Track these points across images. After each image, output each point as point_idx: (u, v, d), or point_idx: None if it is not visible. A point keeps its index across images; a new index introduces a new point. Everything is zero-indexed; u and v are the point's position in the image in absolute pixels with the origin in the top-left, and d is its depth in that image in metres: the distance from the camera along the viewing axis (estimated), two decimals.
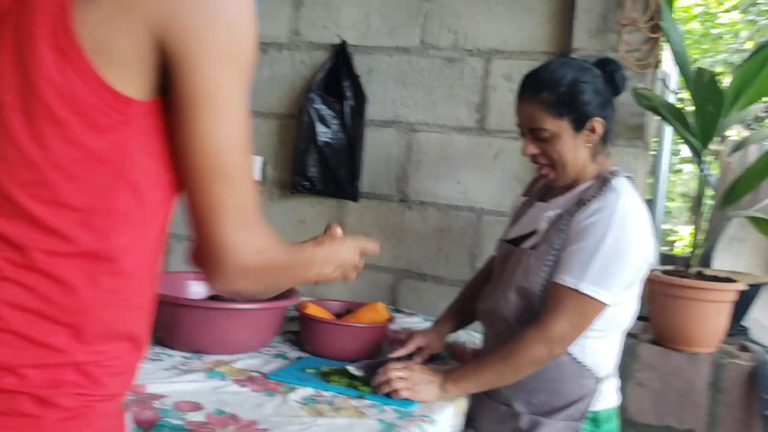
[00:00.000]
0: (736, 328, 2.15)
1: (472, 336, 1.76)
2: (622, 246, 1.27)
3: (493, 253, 1.63)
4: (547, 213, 1.40)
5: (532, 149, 1.36)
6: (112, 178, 0.72)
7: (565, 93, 1.31)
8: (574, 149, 1.35)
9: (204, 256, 0.75)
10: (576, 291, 1.26)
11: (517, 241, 1.45)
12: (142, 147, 0.72)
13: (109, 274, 0.73)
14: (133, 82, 0.70)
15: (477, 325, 1.58)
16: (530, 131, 1.35)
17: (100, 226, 0.72)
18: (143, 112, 0.71)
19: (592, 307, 1.28)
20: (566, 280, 1.28)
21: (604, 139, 1.38)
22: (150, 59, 0.70)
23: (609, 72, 1.38)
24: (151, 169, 0.74)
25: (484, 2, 2.03)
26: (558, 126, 1.32)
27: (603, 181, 1.35)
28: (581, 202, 1.34)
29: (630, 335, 1.91)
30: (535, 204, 1.50)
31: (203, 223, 0.74)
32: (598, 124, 1.34)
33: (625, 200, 1.30)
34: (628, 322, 1.40)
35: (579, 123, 1.33)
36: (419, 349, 1.47)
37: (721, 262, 3.80)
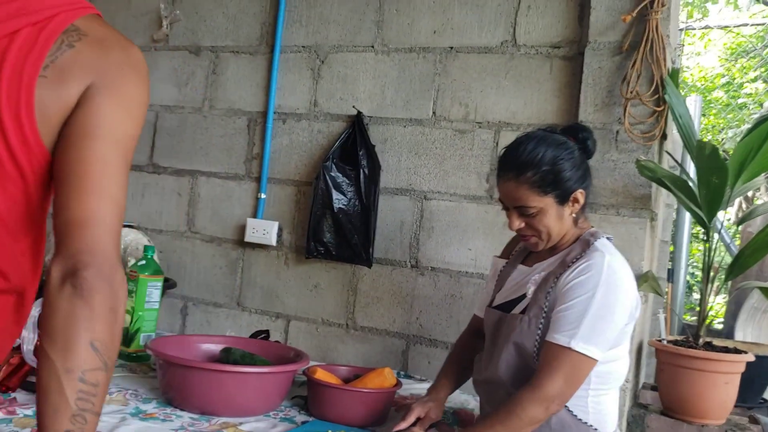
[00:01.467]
0: (757, 401, 2.12)
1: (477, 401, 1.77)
2: (610, 303, 1.31)
3: (475, 312, 1.66)
4: (533, 277, 1.44)
5: (518, 224, 1.42)
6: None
7: (547, 171, 1.36)
8: (560, 220, 1.40)
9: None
10: (569, 349, 1.29)
11: (505, 307, 1.48)
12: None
13: None
14: (53, 139, 0.88)
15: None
16: (515, 208, 1.41)
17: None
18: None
19: (585, 364, 1.31)
20: (558, 338, 1.31)
21: (584, 206, 1.44)
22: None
23: (582, 139, 1.45)
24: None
25: (493, 77, 2.10)
26: (543, 202, 1.38)
27: (585, 243, 1.40)
28: (565, 264, 1.38)
29: (640, 405, 1.91)
30: (517, 267, 1.54)
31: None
32: (580, 195, 1.41)
33: (610, 259, 1.34)
34: (623, 378, 1.44)
35: (563, 197, 1.39)
36: (419, 420, 1.48)
37: (743, 333, 3.75)
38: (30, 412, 1.43)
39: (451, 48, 2.17)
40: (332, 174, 2.24)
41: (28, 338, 1.47)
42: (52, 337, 0.82)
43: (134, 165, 2.59)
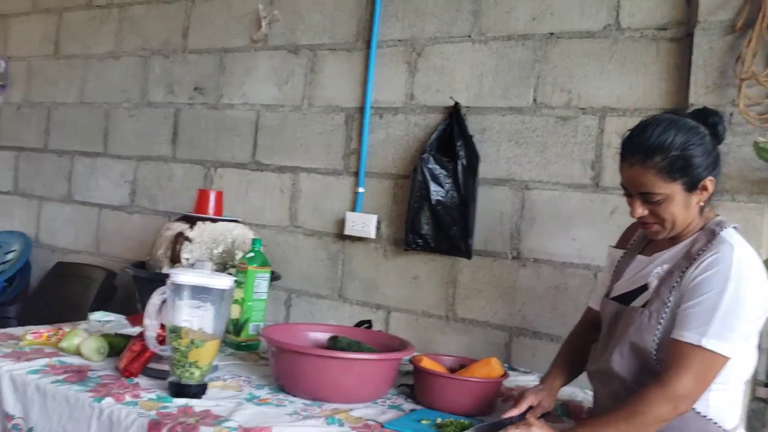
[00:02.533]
0: None
1: (588, 395, 1.73)
2: (741, 298, 1.24)
3: (590, 304, 1.61)
4: (654, 268, 1.38)
5: (641, 211, 1.35)
6: None
7: (677, 157, 1.29)
8: (686, 209, 1.33)
9: None
10: (699, 347, 1.24)
11: (624, 298, 1.43)
12: None
13: None
14: None
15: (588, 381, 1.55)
16: (639, 194, 1.35)
17: None
18: None
19: (716, 361, 1.25)
20: (688, 336, 1.25)
21: (711, 194, 1.36)
22: None
23: (712, 124, 1.37)
24: None
25: (596, 62, 2.05)
26: (670, 189, 1.31)
27: (711, 233, 1.33)
28: (690, 256, 1.32)
29: (759, 399, 1.81)
30: (635, 257, 1.48)
31: None
32: (710, 183, 1.33)
33: (739, 252, 1.27)
34: (750, 372, 1.37)
35: (691, 185, 1.32)
36: (531, 408, 1.46)
37: None
38: (153, 395, 1.50)
39: (552, 34, 2.13)
40: (430, 166, 2.24)
41: (151, 325, 1.54)
42: None
43: (238, 163, 2.69)
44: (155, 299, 1.55)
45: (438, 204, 2.20)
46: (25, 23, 3.47)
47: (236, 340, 2.02)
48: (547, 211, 2.10)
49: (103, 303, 2.81)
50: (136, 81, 3.04)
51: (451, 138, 2.22)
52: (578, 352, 1.57)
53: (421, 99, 2.34)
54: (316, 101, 2.57)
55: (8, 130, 3.50)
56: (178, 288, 1.55)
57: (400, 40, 2.39)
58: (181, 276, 1.54)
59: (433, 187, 2.21)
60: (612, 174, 2.01)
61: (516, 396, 1.51)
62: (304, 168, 2.58)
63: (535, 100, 2.14)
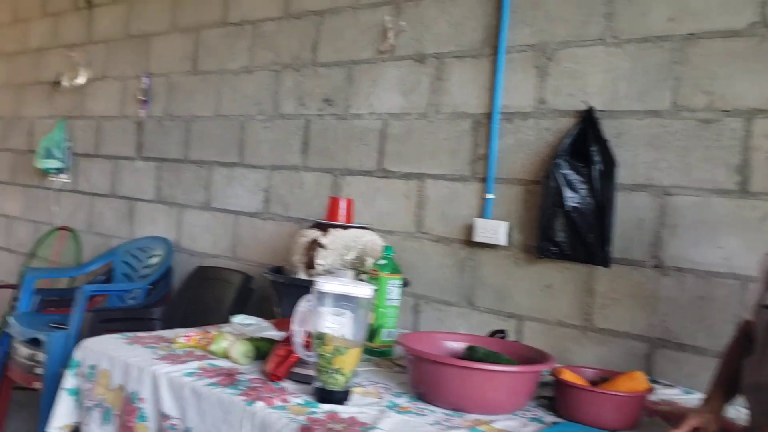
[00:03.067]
0: None
1: (740, 412, 1.64)
2: None
3: (746, 317, 1.53)
4: None
5: None
6: None
7: None
8: None
9: None
10: None
11: None
12: None
13: None
14: None
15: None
16: None
17: None
18: None
19: None
20: None
21: None
22: None
23: None
24: None
25: (742, 61, 1.94)
26: None
27: None
28: None
29: None
30: None
31: None
32: None
33: None
34: None
35: None
36: (695, 430, 1.39)
37: None
38: (300, 400, 1.56)
39: (691, 34, 2.03)
40: (563, 171, 2.20)
41: (298, 332, 1.61)
42: None
43: (365, 170, 2.75)
44: (302, 306, 1.62)
45: (573, 210, 2.16)
46: (165, 42, 3.70)
47: (370, 346, 2.06)
48: (690, 218, 2.01)
49: (241, 305, 2.96)
50: (269, 94, 3.17)
51: (585, 143, 2.17)
52: (735, 370, 1.49)
53: (552, 103, 2.30)
54: (442, 108, 2.58)
55: (151, 142, 3.75)
56: (321, 296, 1.61)
57: (529, 45, 2.36)
58: (325, 284, 1.59)
59: (568, 192, 2.17)
60: (762, 179, 1.90)
61: (671, 412, 1.46)
62: (430, 174, 2.60)
63: (674, 102, 2.05)
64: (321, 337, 1.58)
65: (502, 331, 2.12)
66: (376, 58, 2.78)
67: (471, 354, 1.75)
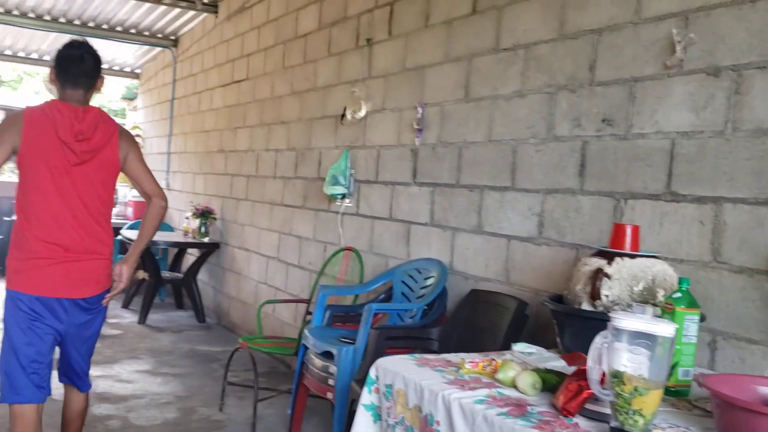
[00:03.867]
0: None
1: None
2: None
3: None
4: None
5: None
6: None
7: None
8: None
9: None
10: None
11: None
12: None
13: None
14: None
15: None
16: None
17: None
18: None
19: None
20: None
21: None
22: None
23: None
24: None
25: None
26: None
27: None
28: None
29: None
30: None
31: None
32: None
33: None
34: None
35: None
36: None
37: None
38: None
39: None
40: None
41: (595, 369, 1.55)
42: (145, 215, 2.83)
43: (650, 194, 2.59)
44: (598, 342, 1.56)
45: None
46: (438, 72, 3.87)
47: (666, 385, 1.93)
48: None
49: (516, 332, 2.95)
50: (542, 117, 3.14)
51: None
52: None
53: None
54: (742, 125, 2.35)
55: (425, 168, 3.93)
56: (617, 332, 1.54)
57: None
58: (623, 320, 1.52)
59: None
60: None
61: None
62: (728, 198, 2.37)
63: None
64: (618, 376, 1.51)
65: None
66: (661, 73, 2.62)
67: None
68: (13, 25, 7.76)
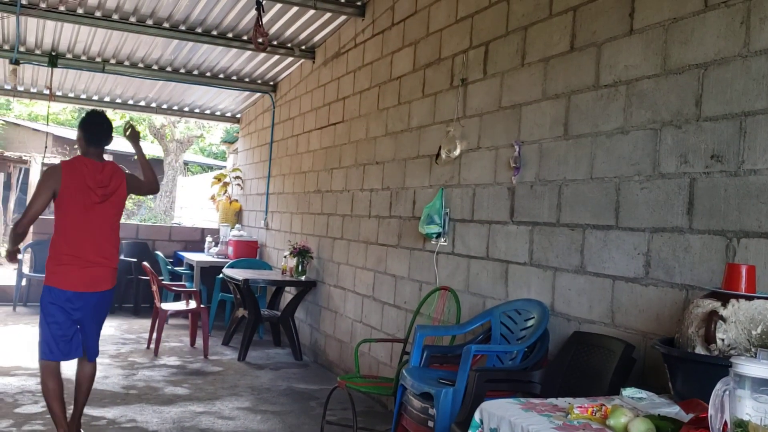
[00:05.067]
0: None
1: None
2: None
3: None
4: None
5: None
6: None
7: None
8: None
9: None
10: None
11: None
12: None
13: None
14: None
15: None
16: None
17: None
18: None
19: None
20: None
21: None
22: None
23: None
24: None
25: None
26: None
27: None
28: None
29: None
30: None
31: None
32: None
33: None
34: None
35: None
36: None
37: None
38: None
39: None
40: None
41: (717, 417, 1.48)
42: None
43: (765, 233, 2.47)
44: (720, 389, 1.49)
45: None
46: (536, 110, 3.85)
47: None
48: None
49: (623, 376, 2.85)
50: (647, 153, 3.07)
51: None
52: None
53: None
54: None
55: (523, 207, 3.89)
56: (740, 378, 1.46)
57: None
58: (746, 366, 1.45)
59: None
60: None
61: None
62: None
63: None
64: (743, 425, 1.43)
65: None
66: None
67: None
68: (125, 75, 8.31)
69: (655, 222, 3.00)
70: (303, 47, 7.51)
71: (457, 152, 4.55)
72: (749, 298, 2.18)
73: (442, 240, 4.68)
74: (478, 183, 4.35)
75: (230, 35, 7.18)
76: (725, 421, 1.50)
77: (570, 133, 3.57)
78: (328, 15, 6.62)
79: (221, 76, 8.67)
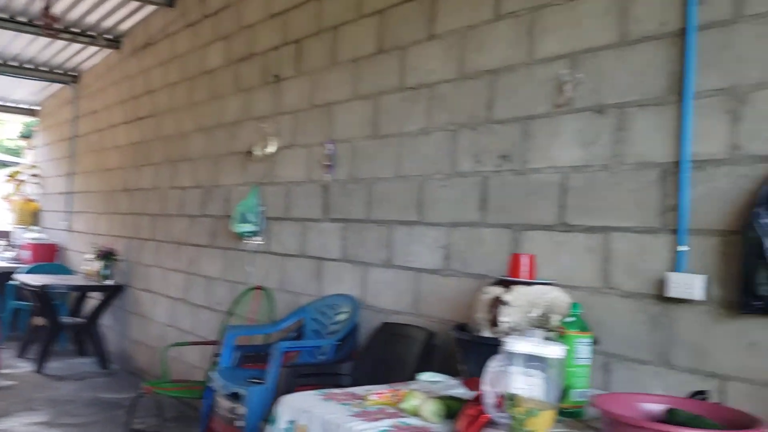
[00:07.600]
0: None
1: None
2: None
3: None
4: None
5: None
6: None
7: None
8: None
9: None
10: None
11: None
12: None
13: None
14: None
15: None
16: None
17: None
18: None
19: None
20: None
21: None
22: None
23: None
24: None
25: None
26: None
27: None
28: None
29: None
30: None
31: None
32: None
33: None
34: None
35: None
36: None
37: None
38: None
39: None
40: (763, 221, 2.05)
41: (490, 392, 1.61)
42: None
43: (546, 225, 2.72)
44: (492, 366, 1.63)
45: None
46: (347, 109, 3.94)
47: (560, 407, 2.01)
48: None
49: (425, 362, 3.00)
50: (446, 153, 3.26)
51: None
52: None
53: (748, 149, 2.17)
54: (626, 159, 2.51)
55: (336, 204, 3.97)
56: (511, 355, 1.60)
57: (718, 90, 2.25)
58: (515, 344, 1.59)
59: None
60: None
61: None
62: (615, 227, 2.52)
63: None
64: (513, 398, 1.57)
65: (703, 392, 1.98)
66: (553, 112, 2.78)
67: (672, 418, 1.66)
68: None
69: (453, 217, 3.19)
70: (108, 36, 7.09)
71: (271, 149, 4.54)
72: (529, 284, 2.39)
73: (257, 239, 4.64)
74: (293, 181, 4.37)
75: (22, 19, 6.59)
76: (501, 396, 1.63)
77: (379, 133, 3.70)
78: (135, 4, 6.31)
79: (14, 63, 7.94)
